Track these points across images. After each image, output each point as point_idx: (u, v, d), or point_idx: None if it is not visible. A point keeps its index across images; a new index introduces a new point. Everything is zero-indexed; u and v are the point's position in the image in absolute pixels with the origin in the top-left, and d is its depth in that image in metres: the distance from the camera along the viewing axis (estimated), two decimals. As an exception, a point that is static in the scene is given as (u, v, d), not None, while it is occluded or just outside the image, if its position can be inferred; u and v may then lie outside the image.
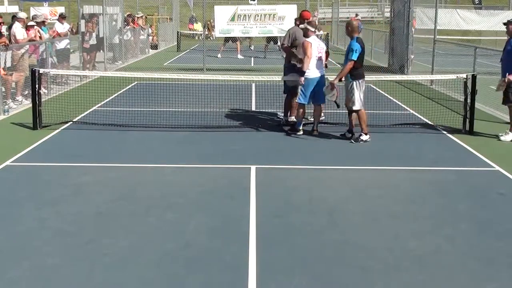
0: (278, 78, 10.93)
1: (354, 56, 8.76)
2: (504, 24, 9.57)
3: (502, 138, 9.29)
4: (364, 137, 8.96)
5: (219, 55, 23.47)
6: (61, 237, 5.26)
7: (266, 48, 25.35)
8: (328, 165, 7.84)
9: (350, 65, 8.79)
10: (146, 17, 26.99)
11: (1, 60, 11.09)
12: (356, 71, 8.89)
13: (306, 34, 9.29)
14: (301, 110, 9.37)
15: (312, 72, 9.20)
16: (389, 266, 4.77)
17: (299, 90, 9.30)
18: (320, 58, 9.25)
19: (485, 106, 11.98)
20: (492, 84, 14.58)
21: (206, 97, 12.16)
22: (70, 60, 16.38)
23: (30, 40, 12.69)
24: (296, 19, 10.41)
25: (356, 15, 30.64)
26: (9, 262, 4.72)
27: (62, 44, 15.26)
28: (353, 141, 8.97)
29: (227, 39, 23.70)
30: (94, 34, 17.48)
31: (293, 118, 10.05)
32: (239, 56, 23.57)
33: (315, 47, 9.21)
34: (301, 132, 9.31)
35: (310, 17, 10.04)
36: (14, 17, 13.12)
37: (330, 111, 10.32)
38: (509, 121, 10.65)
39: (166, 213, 5.89)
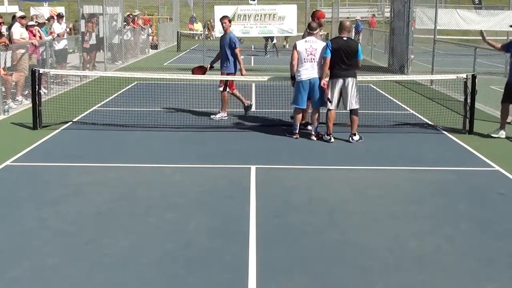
0: (277, 78, 10.94)
1: (324, 53, 8.86)
2: (511, 26, 9.65)
3: (494, 135, 9.42)
4: (326, 137, 9.05)
5: None
6: (61, 237, 5.26)
7: (266, 48, 25.30)
8: (328, 165, 7.84)
9: (324, 61, 8.86)
10: (145, 14, 26.75)
11: (1, 60, 11.09)
12: (331, 71, 8.94)
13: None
14: (297, 114, 9.22)
15: (302, 75, 9.01)
16: (389, 266, 4.77)
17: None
18: (312, 60, 8.94)
19: (485, 106, 11.99)
20: (492, 84, 14.61)
21: (206, 97, 12.15)
22: (69, 60, 16.38)
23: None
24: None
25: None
26: (9, 262, 4.72)
27: (60, 45, 15.25)
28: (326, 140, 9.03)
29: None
30: (93, 34, 17.48)
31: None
32: None
33: (304, 49, 8.97)
34: (296, 136, 9.18)
35: (323, 17, 9.90)
36: (14, 17, 13.12)
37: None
38: (508, 121, 10.69)
39: (166, 213, 5.89)
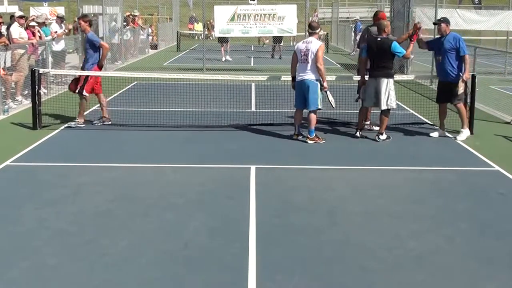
0: (277, 78, 10.94)
1: (361, 53, 9.25)
2: (435, 24, 9.51)
3: (458, 137, 9.31)
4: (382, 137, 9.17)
5: (223, 59, 22.47)
6: (61, 237, 5.26)
7: (274, 49, 24.31)
8: (328, 165, 7.84)
9: (359, 61, 9.23)
10: (140, 16, 26.38)
11: (0, 60, 11.09)
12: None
13: None
14: (295, 114, 9.22)
15: (297, 75, 9.04)
16: (389, 266, 4.76)
17: None
18: (305, 61, 8.83)
19: (485, 106, 11.98)
20: (492, 84, 14.63)
21: (206, 97, 12.16)
22: (67, 60, 16.36)
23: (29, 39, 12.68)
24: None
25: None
26: (9, 262, 4.72)
27: (59, 46, 15.21)
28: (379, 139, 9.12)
29: (223, 40, 22.24)
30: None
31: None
32: (227, 58, 22.53)
33: (299, 50, 8.93)
34: (295, 137, 9.10)
35: (384, 18, 9.79)
36: (13, 17, 13.10)
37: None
38: (508, 121, 10.69)
39: (165, 213, 5.89)
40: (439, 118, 9.57)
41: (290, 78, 9.29)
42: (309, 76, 8.86)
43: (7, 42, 11.58)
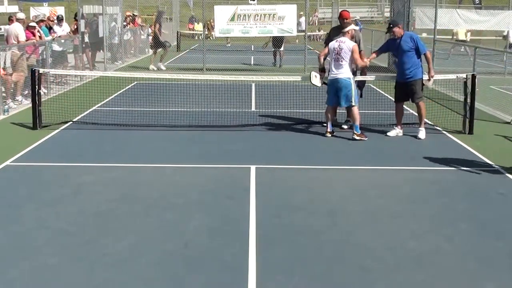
0: (277, 78, 10.95)
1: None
2: (388, 28, 9.43)
3: (419, 135, 9.31)
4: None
5: (158, 67, 19.23)
6: (61, 237, 5.26)
7: (275, 55, 20.67)
8: (328, 165, 7.83)
9: None
10: (134, 15, 25.94)
11: (0, 60, 11.09)
12: None
13: None
14: (326, 111, 9.42)
15: (329, 74, 9.25)
16: (389, 266, 4.76)
17: None
18: (338, 59, 9.04)
19: (485, 106, 11.98)
20: (492, 84, 14.63)
21: (206, 97, 12.16)
22: (68, 60, 16.38)
23: (28, 40, 12.68)
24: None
25: None
26: (9, 262, 4.72)
27: (59, 47, 15.19)
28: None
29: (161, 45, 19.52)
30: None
31: None
32: (162, 67, 19.36)
33: (332, 48, 9.13)
34: (328, 135, 9.27)
35: (346, 16, 9.83)
36: (11, 18, 13.06)
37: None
38: (508, 121, 10.70)
39: (166, 213, 5.89)
40: (397, 118, 9.58)
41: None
42: (343, 75, 9.07)
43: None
